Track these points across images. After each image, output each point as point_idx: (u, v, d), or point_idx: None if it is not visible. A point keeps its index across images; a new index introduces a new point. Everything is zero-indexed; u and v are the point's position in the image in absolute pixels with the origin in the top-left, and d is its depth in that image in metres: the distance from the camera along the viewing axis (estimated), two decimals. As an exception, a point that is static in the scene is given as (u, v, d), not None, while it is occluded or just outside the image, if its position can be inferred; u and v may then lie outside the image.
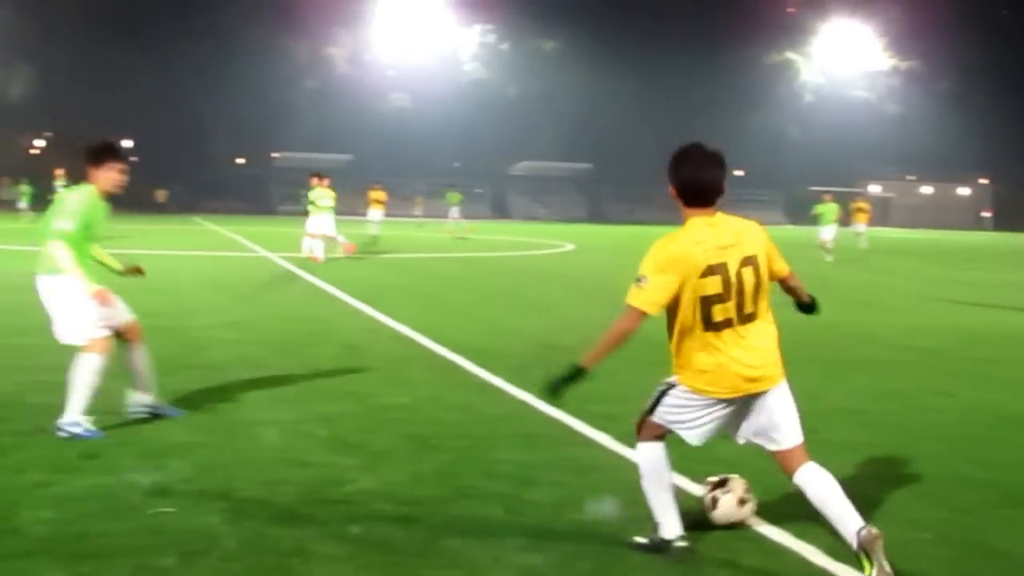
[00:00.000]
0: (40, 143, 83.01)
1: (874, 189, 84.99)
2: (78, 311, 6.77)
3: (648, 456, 5.06)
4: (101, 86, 70.87)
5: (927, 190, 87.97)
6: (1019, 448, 7.34)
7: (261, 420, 7.39)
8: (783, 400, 4.86)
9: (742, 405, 4.82)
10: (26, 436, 6.71)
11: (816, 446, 6.98)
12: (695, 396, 4.82)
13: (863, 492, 6.01)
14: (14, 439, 6.63)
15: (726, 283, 4.64)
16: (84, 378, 6.72)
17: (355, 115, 79.31)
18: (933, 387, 9.63)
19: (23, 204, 44.23)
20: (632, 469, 6.30)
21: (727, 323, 4.69)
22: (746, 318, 4.73)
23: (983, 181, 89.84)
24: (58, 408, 6.81)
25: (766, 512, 5.50)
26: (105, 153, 7.04)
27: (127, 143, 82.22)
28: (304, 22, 76.61)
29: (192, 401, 7.79)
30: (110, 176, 7.02)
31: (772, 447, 4.88)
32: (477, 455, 6.62)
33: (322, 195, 23.47)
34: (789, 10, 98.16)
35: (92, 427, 6.73)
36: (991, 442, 7.50)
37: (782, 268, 4.98)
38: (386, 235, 33.08)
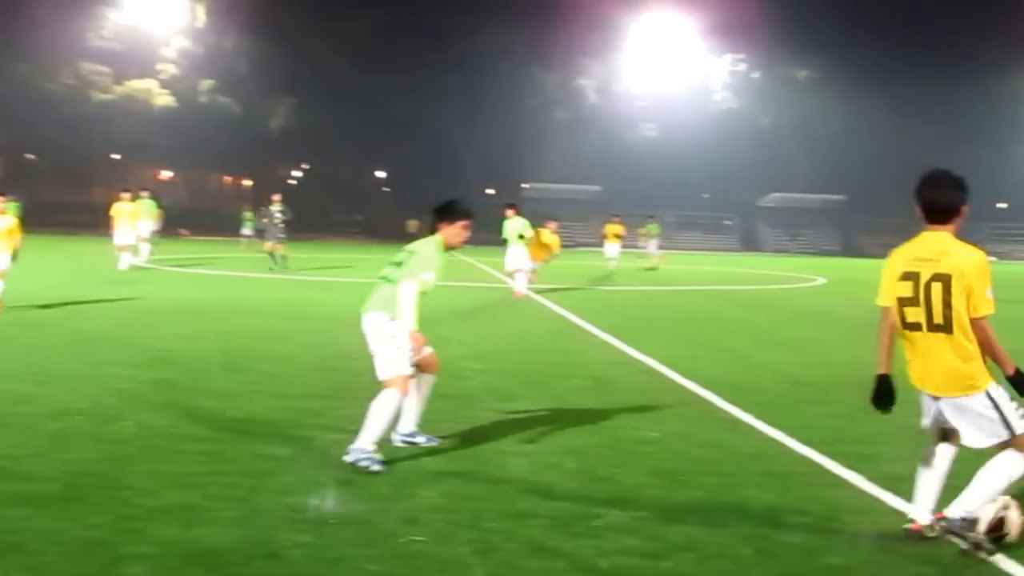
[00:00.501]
0: (297, 174, 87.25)
1: None
2: (398, 351, 7.16)
3: None
4: (356, 118, 73.81)
5: None
6: None
7: (511, 451, 7.49)
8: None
9: None
10: (286, 461, 7.02)
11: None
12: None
13: None
14: (276, 463, 6.98)
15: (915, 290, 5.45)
16: (384, 412, 7.00)
17: (604, 146, 79.90)
18: None
19: (247, 231, 46.89)
20: (887, 512, 6.11)
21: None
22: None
23: None
24: (313, 436, 7.09)
25: None
26: (458, 212, 7.55)
27: (380, 174, 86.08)
28: (554, 53, 77.91)
29: (443, 431, 7.97)
30: (459, 232, 7.51)
31: None
32: (727, 492, 6.51)
33: (515, 227, 23.11)
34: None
35: (380, 458, 6.91)
36: None
37: (974, 307, 5.34)
38: (629, 267, 33.11)
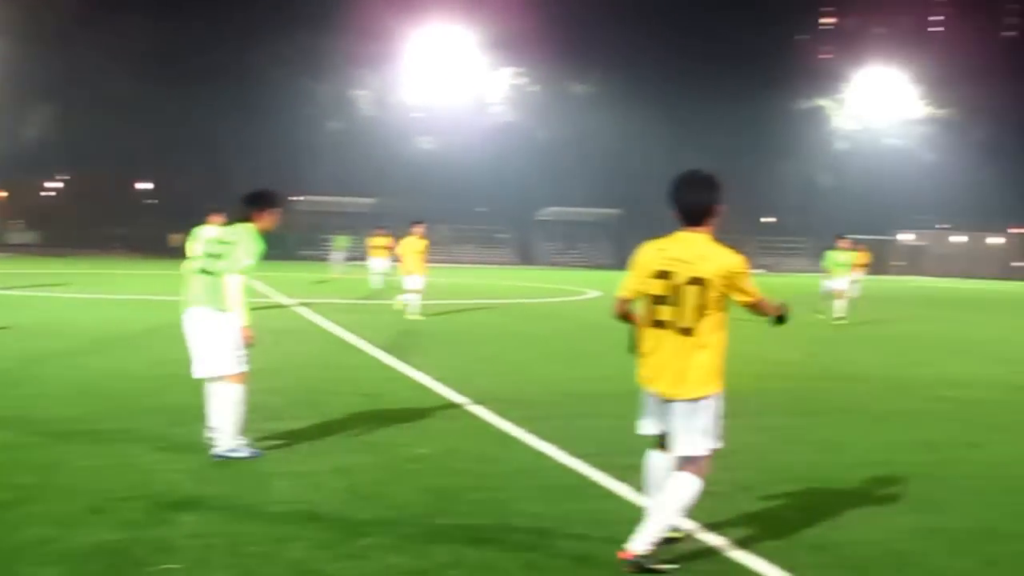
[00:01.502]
0: (56, 185, 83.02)
1: (907, 238, 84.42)
2: (231, 346, 7.44)
3: None
4: (120, 128, 70.78)
5: (959, 239, 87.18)
6: (1052, 502, 7.15)
7: (274, 472, 7.26)
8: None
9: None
10: (31, 490, 6.59)
11: (840, 498, 6.92)
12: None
13: (886, 542, 6.00)
14: (19, 492, 6.51)
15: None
16: (232, 406, 7.42)
17: (379, 158, 79.37)
18: (965, 438, 9.48)
19: None
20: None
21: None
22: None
23: (1015, 231, 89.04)
24: (62, 462, 6.68)
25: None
26: (273, 200, 7.79)
27: (145, 185, 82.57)
28: (328, 63, 76.67)
29: (202, 453, 7.68)
30: (274, 219, 7.72)
31: None
32: (495, 508, 6.49)
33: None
34: (822, 56, 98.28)
35: (250, 448, 7.52)
36: (1021, 494, 7.40)
37: (746, 296, 5.46)
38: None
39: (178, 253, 66.90)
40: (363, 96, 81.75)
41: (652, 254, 5.54)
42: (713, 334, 5.38)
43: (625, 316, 5.66)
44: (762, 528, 6.17)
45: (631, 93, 76.10)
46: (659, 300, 5.41)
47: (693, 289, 5.31)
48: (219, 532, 5.80)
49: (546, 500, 6.69)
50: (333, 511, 6.28)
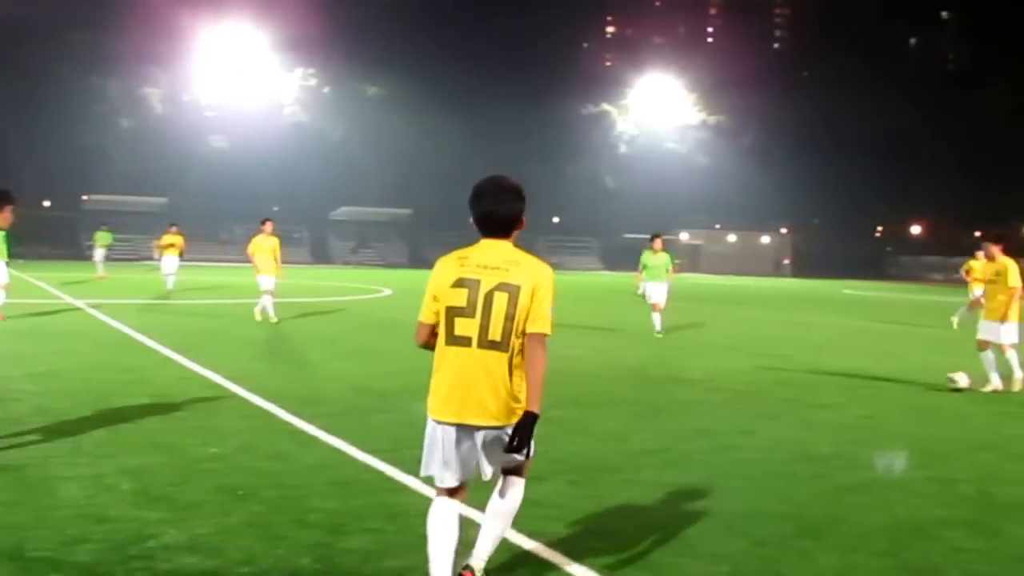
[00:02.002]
0: None
1: (684, 237, 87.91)
2: None
3: None
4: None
5: (732, 238, 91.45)
6: (813, 483, 7.72)
7: (60, 475, 7.10)
8: None
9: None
10: None
11: (623, 486, 7.30)
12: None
13: (665, 527, 6.30)
14: None
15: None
16: None
17: (172, 157, 77.12)
18: (737, 426, 10.05)
19: None
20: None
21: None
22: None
23: (783, 230, 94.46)
24: None
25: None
26: (7, 197, 7.75)
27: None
28: (118, 60, 74.16)
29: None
30: (9, 217, 7.71)
31: None
32: (289, 505, 6.54)
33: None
34: (607, 63, 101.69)
35: None
36: (788, 477, 7.91)
37: (538, 323, 4.68)
38: (189, 280, 32.20)
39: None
40: (154, 94, 79.16)
41: (452, 264, 4.83)
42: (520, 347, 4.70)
43: (428, 344, 4.97)
44: (547, 517, 6.39)
45: (422, 95, 76.58)
46: (458, 312, 4.71)
47: (502, 296, 4.65)
48: (3, 538, 5.65)
49: (340, 495, 6.79)
50: (122, 513, 6.20)
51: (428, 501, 6.61)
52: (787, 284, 63.09)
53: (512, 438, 4.54)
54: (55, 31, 69.91)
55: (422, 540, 5.75)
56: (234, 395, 10.89)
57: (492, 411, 4.63)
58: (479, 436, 4.68)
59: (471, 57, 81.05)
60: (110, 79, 75.49)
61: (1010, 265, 13.15)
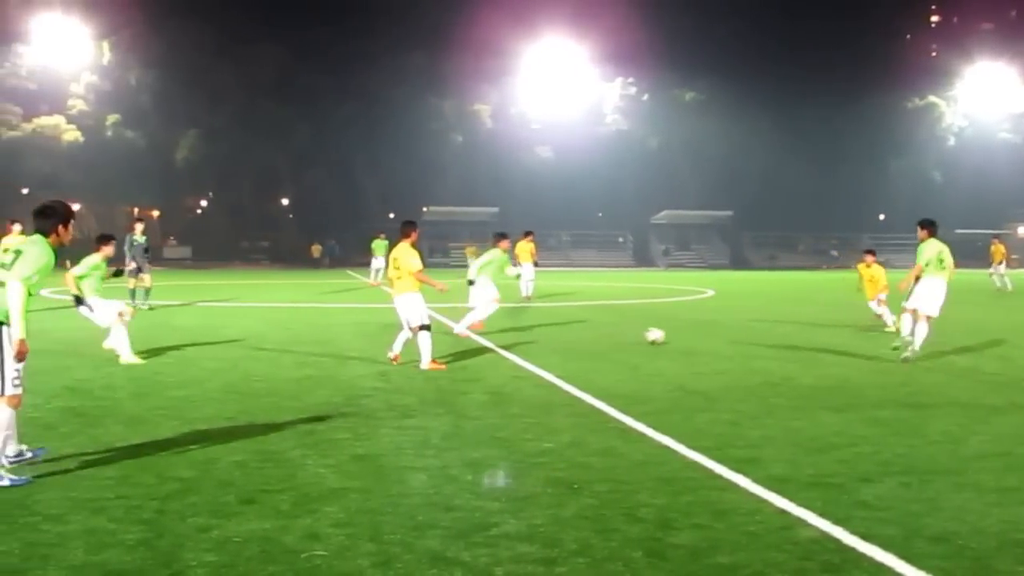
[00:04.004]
0: (204, 203, 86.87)
1: (1021, 231, 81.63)
2: (6, 363, 6.94)
3: None
4: (259, 148, 73.99)
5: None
6: None
7: (410, 466, 7.63)
8: None
9: None
10: (190, 482, 7.08)
11: (959, 489, 6.97)
12: None
13: (1005, 533, 6.00)
14: (180, 484, 7.02)
15: None
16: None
17: (501, 169, 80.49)
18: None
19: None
20: (772, 513, 6.39)
21: None
22: None
23: None
24: (217, 458, 7.12)
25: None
26: (65, 214, 7.42)
27: (284, 200, 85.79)
28: (451, 80, 78.60)
29: (344, 449, 8.12)
30: (68, 232, 7.39)
31: None
32: (618, 499, 6.70)
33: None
34: (932, 54, 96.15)
35: (12, 476, 6.97)
36: None
37: None
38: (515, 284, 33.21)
39: (320, 263, 67.79)
40: (484, 110, 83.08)
41: None
42: None
43: None
44: (881, 519, 6.25)
45: (738, 98, 75.96)
46: None
47: None
48: (360, 522, 6.15)
49: (667, 492, 6.88)
50: (465, 502, 6.58)
51: (753, 499, 6.69)
52: None
53: None
54: (395, 56, 75.07)
55: (750, 538, 5.85)
56: (564, 392, 11.27)
57: None
58: None
59: (786, 58, 79.64)
60: (446, 99, 79.93)
61: None
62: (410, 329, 13.41)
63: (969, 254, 55.24)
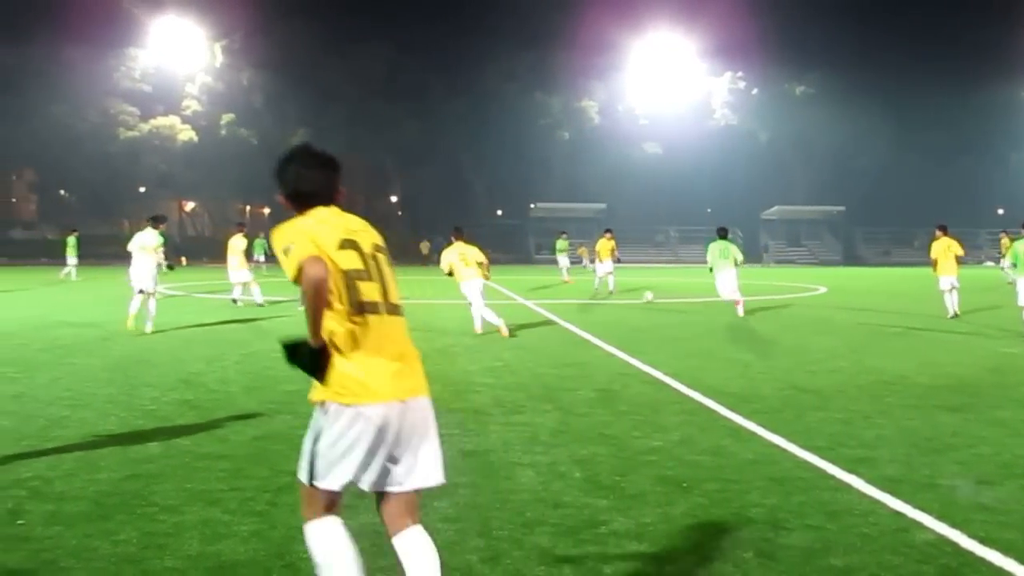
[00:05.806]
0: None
1: None
2: None
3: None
4: (368, 146, 75.21)
5: None
6: None
7: (518, 462, 7.66)
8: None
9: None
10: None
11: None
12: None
13: None
14: (292, 478, 7.14)
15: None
16: None
17: (608, 165, 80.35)
18: None
19: (259, 257, 46.50)
20: (887, 514, 6.26)
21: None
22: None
23: None
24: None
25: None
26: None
27: (393, 198, 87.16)
28: (558, 77, 78.86)
29: (453, 444, 8.16)
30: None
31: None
32: (729, 498, 6.65)
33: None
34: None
35: None
36: None
37: None
38: (624, 282, 33.11)
39: (428, 260, 68.84)
40: (591, 106, 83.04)
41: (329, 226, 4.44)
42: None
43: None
44: (1001, 523, 6.09)
45: (849, 91, 74.55)
46: (360, 275, 4.26)
47: (383, 258, 4.46)
48: (469, 517, 6.21)
49: (778, 491, 6.79)
50: (574, 500, 6.59)
51: (867, 500, 6.56)
52: None
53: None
54: (503, 53, 75.62)
55: (864, 540, 5.73)
56: (672, 390, 11.21)
57: (418, 381, 4.34)
58: (411, 408, 4.34)
59: (897, 49, 77.76)
60: (553, 95, 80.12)
61: None
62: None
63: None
